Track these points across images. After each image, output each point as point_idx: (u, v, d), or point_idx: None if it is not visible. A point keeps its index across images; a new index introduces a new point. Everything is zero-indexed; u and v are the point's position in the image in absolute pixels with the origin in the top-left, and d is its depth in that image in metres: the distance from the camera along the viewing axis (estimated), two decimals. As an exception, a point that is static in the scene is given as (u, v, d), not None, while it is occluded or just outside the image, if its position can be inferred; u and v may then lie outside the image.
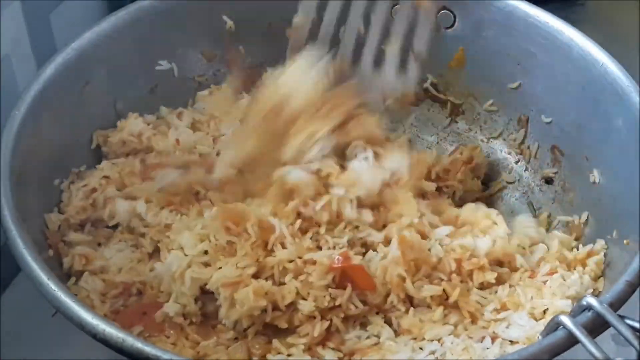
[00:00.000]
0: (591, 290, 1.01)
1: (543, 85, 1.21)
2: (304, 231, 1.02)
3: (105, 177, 1.11)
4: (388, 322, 1.00)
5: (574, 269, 1.04)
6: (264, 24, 1.27)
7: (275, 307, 0.98)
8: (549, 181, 1.22)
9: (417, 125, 1.32)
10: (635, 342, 0.77)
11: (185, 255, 1.00)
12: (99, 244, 1.08)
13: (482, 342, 0.97)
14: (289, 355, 0.96)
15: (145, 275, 1.03)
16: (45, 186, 1.07)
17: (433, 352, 0.95)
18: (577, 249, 1.07)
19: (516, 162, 1.26)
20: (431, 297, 1.00)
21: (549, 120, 1.20)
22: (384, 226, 1.05)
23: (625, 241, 1.02)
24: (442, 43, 1.27)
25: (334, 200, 1.03)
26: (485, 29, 1.23)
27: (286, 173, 1.04)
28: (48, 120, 1.08)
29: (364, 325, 1.00)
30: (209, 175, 1.11)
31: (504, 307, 1.01)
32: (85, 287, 1.01)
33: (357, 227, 1.04)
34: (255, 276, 0.98)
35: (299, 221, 1.01)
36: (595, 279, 1.03)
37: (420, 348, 0.97)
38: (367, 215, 1.04)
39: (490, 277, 1.02)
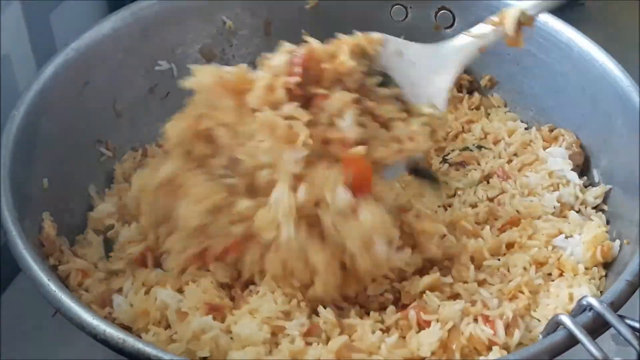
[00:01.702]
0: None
1: (543, 86, 1.21)
2: None
3: None
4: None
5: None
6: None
7: None
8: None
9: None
10: (635, 342, 0.77)
11: None
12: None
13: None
14: None
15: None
16: (45, 186, 1.07)
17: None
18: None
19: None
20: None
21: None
22: None
23: (625, 241, 1.03)
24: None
25: None
26: (485, 29, 1.23)
27: None
28: (48, 120, 1.08)
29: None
30: None
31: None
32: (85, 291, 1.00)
33: None
34: None
35: None
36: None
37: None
38: None
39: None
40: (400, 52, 1.03)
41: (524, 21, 1.02)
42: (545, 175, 1.12)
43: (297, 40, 1.30)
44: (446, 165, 1.17)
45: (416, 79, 1.03)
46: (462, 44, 1.05)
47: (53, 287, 0.88)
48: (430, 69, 1.03)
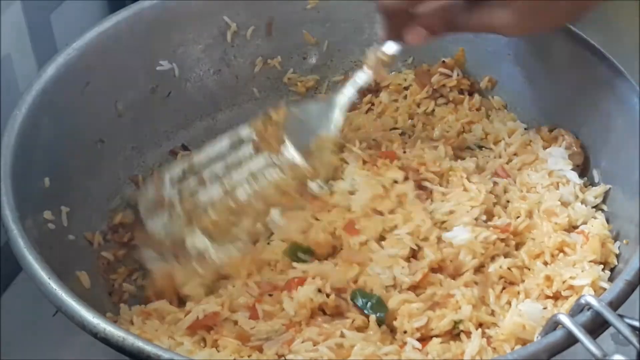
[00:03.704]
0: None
1: (542, 86, 1.21)
2: None
3: None
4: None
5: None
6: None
7: None
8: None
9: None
10: (635, 340, 0.77)
11: None
12: None
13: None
14: None
15: None
16: (47, 185, 1.07)
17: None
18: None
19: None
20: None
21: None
22: None
23: (625, 241, 1.03)
24: (442, 43, 1.27)
25: None
26: (486, 30, 1.23)
27: None
28: (49, 120, 1.08)
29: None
30: None
31: None
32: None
33: None
34: None
35: None
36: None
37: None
38: None
39: None
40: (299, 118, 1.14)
41: (385, 60, 1.10)
42: (545, 175, 1.12)
43: (298, 40, 1.31)
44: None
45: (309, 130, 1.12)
46: (343, 91, 1.12)
47: (54, 285, 0.88)
48: (319, 119, 1.12)
